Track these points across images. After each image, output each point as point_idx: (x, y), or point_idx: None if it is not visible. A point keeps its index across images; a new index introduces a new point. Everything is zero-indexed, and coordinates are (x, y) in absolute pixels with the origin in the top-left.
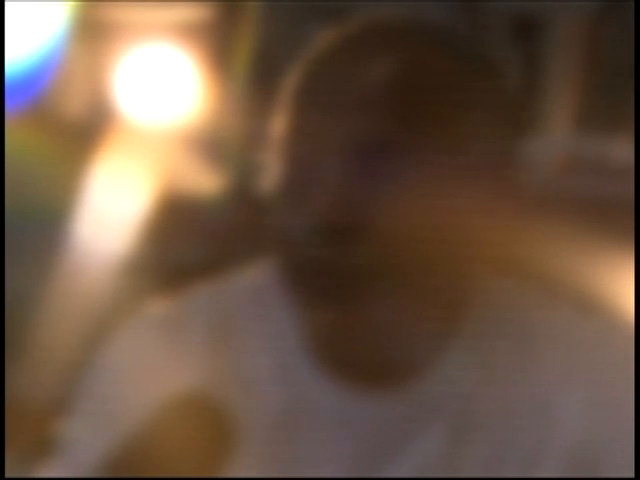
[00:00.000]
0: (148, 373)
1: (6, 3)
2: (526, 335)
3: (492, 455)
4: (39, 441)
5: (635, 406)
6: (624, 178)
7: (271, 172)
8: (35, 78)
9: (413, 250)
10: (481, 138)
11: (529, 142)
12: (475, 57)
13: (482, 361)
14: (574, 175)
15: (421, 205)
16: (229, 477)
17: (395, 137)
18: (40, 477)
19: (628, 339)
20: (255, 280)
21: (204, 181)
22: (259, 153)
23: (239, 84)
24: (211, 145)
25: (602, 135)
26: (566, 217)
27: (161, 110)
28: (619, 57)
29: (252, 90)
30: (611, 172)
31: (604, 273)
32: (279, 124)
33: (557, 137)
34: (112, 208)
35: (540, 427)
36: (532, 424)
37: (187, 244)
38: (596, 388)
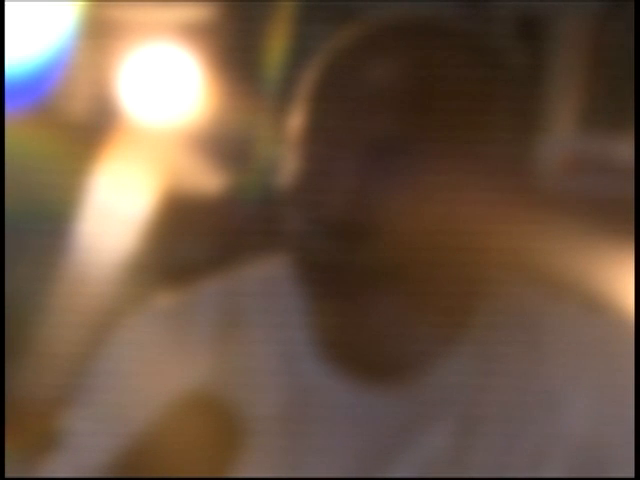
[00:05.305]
0: (154, 367)
1: (12, 3)
2: (533, 331)
3: (499, 450)
4: (43, 436)
5: (635, 406)
6: (628, 177)
7: (286, 169)
8: (41, 79)
9: (423, 250)
10: (496, 138)
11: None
12: (489, 56)
13: (490, 355)
14: (578, 174)
15: (433, 205)
16: (231, 477)
17: (408, 136)
18: (40, 477)
19: (633, 338)
20: (263, 274)
21: (209, 179)
22: (273, 150)
23: (269, 83)
24: (216, 143)
25: (606, 134)
26: (570, 216)
27: (166, 110)
28: (624, 56)
29: (277, 89)
30: (615, 171)
31: (608, 272)
32: (295, 122)
33: (561, 136)
34: (117, 207)
35: (547, 422)
36: (539, 419)
37: (193, 242)
38: (603, 386)
